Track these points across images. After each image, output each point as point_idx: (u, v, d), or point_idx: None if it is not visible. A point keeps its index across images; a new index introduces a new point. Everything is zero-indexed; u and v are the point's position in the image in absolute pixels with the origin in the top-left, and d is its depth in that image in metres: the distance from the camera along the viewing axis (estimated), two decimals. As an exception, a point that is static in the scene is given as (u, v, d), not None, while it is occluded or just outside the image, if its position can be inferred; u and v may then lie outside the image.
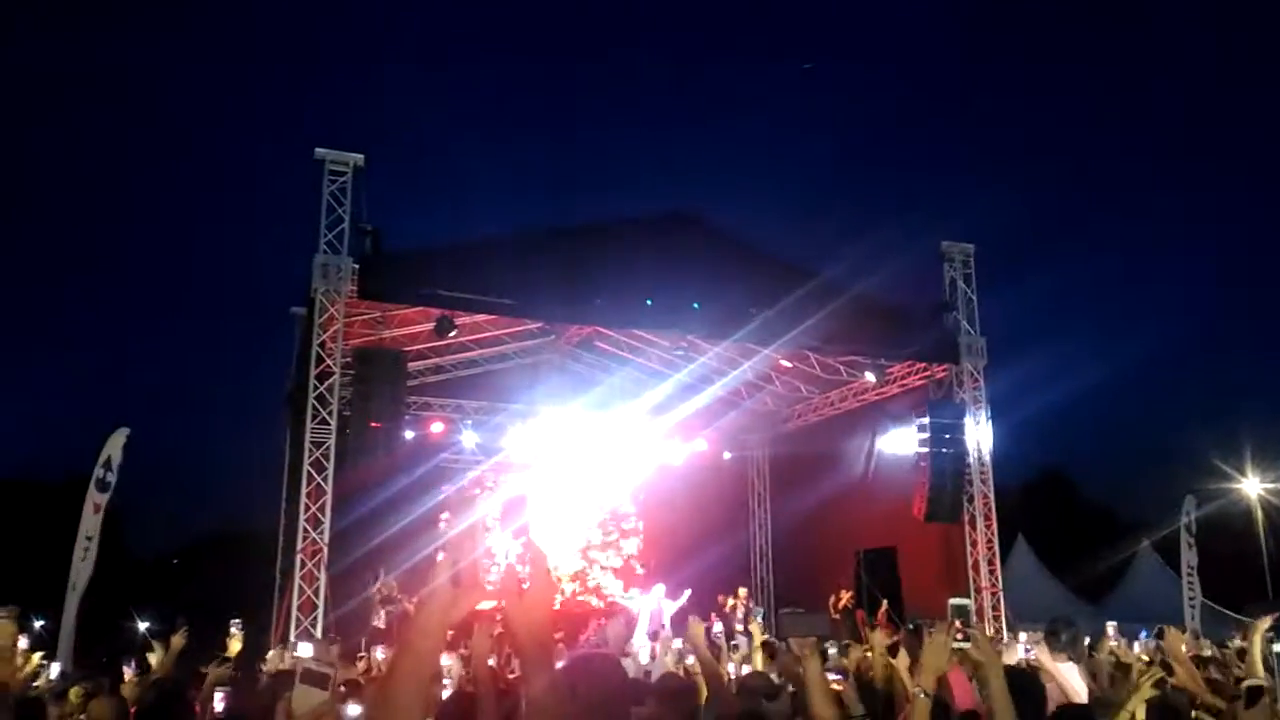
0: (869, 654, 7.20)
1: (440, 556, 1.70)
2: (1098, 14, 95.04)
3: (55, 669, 8.64)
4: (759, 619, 9.99)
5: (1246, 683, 3.73)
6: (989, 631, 15.29)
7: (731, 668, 7.86)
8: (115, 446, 13.67)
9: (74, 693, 5.85)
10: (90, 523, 13.45)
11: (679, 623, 14.08)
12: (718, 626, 12.69)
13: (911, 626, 12.63)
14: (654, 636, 12.09)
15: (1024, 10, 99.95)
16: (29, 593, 7.75)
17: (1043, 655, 6.15)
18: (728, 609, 16.24)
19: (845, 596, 16.72)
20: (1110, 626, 7.91)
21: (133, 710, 5.00)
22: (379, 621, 14.82)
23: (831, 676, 3.91)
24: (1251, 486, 25.86)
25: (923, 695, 3.23)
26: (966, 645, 3.65)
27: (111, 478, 13.63)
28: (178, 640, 6.86)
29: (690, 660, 7.88)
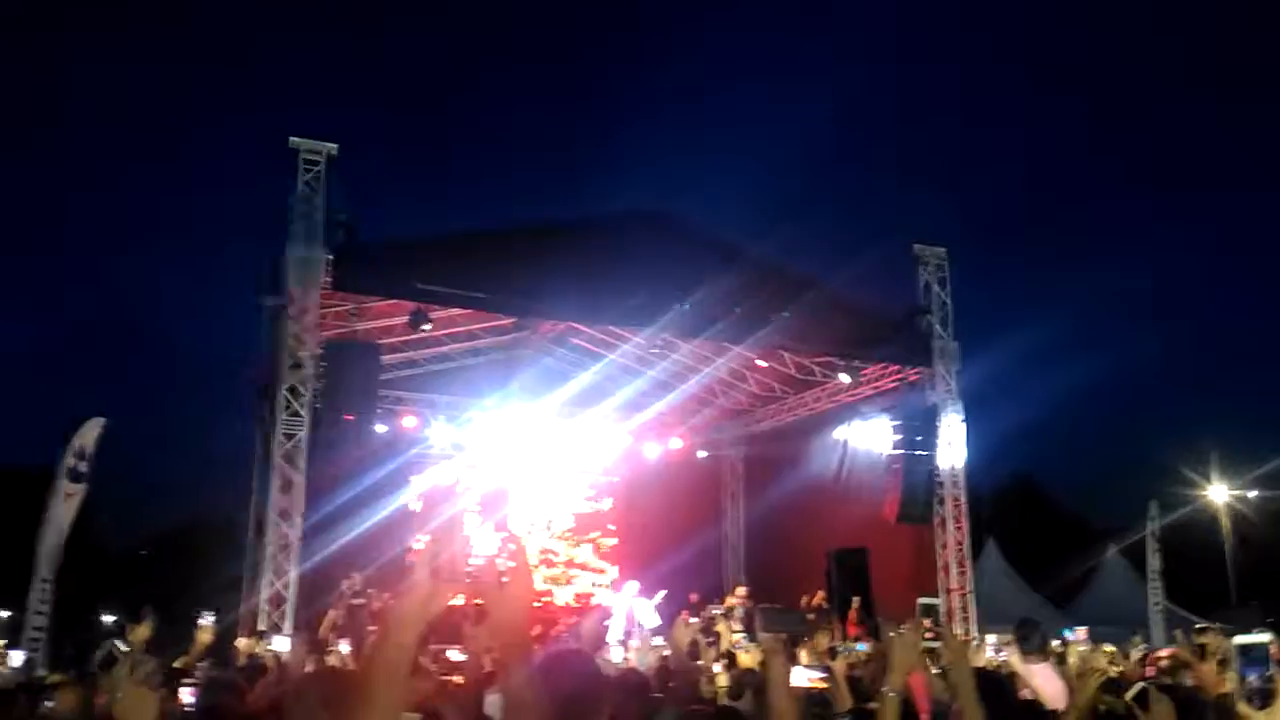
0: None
1: (417, 548, 1.69)
2: (1067, 10, 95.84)
3: (18, 657, 8.55)
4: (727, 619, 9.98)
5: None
6: (958, 632, 15.41)
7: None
8: (89, 437, 13.46)
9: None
10: (60, 513, 13.24)
11: (666, 621, 14.13)
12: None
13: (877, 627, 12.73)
14: (627, 636, 12.10)
15: (994, 7, 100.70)
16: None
17: (1013, 658, 6.19)
18: (723, 608, 16.09)
19: (818, 596, 16.77)
20: (1081, 631, 7.97)
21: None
22: (339, 615, 14.68)
23: (815, 675, 3.92)
24: (1218, 493, 26.19)
25: (892, 694, 3.23)
26: (936, 644, 3.65)
27: (84, 468, 13.42)
28: (143, 630, 6.78)
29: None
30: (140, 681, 2.10)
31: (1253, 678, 3.04)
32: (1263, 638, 3.30)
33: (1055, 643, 7.52)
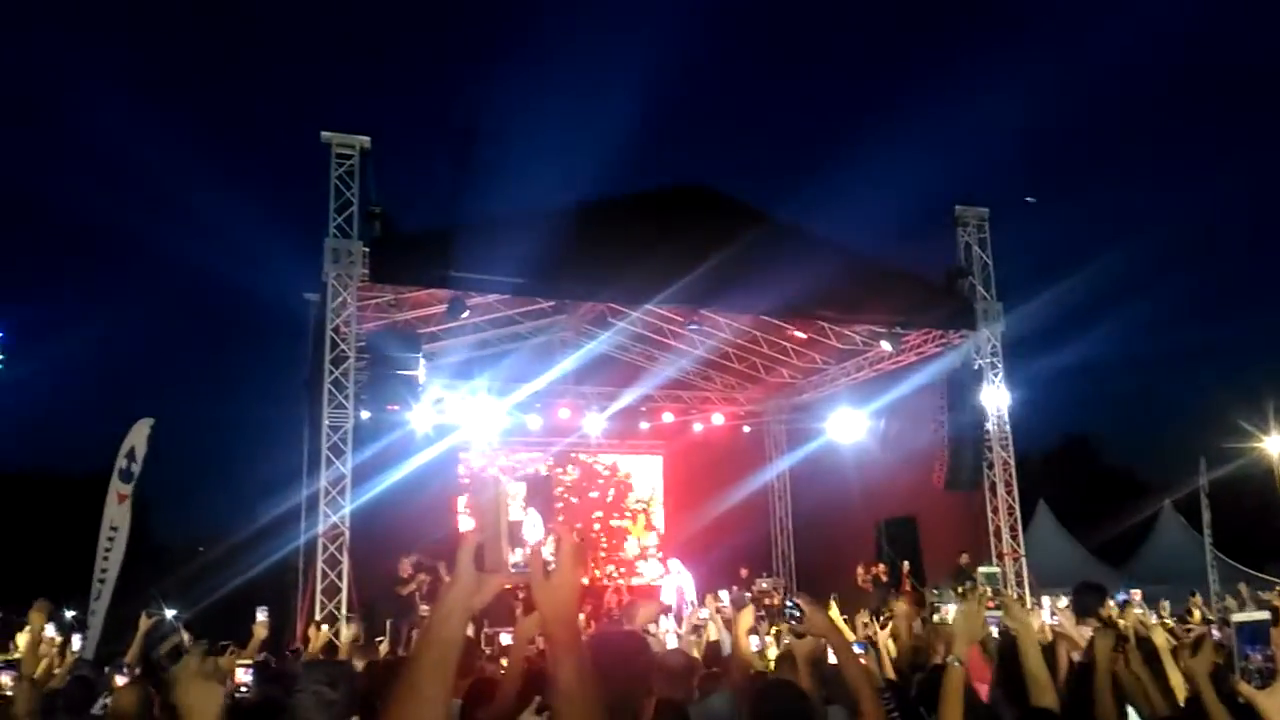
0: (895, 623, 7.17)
1: (463, 531, 1.69)
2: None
3: (77, 643, 8.73)
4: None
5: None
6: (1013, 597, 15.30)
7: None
8: (139, 437, 13.75)
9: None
10: (115, 513, 13.54)
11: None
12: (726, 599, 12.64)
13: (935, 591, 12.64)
14: (677, 614, 12.09)
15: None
16: (56, 585, 7.83)
17: (1067, 621, 6.11)
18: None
19: (879, 567, 16.66)
20: (1136, 594, 7.85)
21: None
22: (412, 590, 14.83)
23: (856, 649, 3.89)
24: (1274, 445, 25.69)
25: (957, 664, 3.18)
26: (999, 614, 3.60)
27: (136, 468, 13.71)
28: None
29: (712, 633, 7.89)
30: (207, 675, 2.12)
31: (1255, 655, 2.95)
32: (1263, 615, 3.21)
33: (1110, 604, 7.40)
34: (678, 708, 3.38)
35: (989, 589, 12.14)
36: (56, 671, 6.50)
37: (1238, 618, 3.18)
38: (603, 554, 21.51)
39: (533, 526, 15.46)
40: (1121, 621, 7.48)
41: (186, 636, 6.66)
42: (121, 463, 13.71)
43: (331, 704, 2.60)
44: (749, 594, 17.77)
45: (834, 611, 7.38)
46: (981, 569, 13.73)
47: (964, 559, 15.63)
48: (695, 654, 6.48)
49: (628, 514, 22.25)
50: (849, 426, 18.71)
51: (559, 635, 1.72)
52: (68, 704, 4.52)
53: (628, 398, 20.19)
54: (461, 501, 20.47)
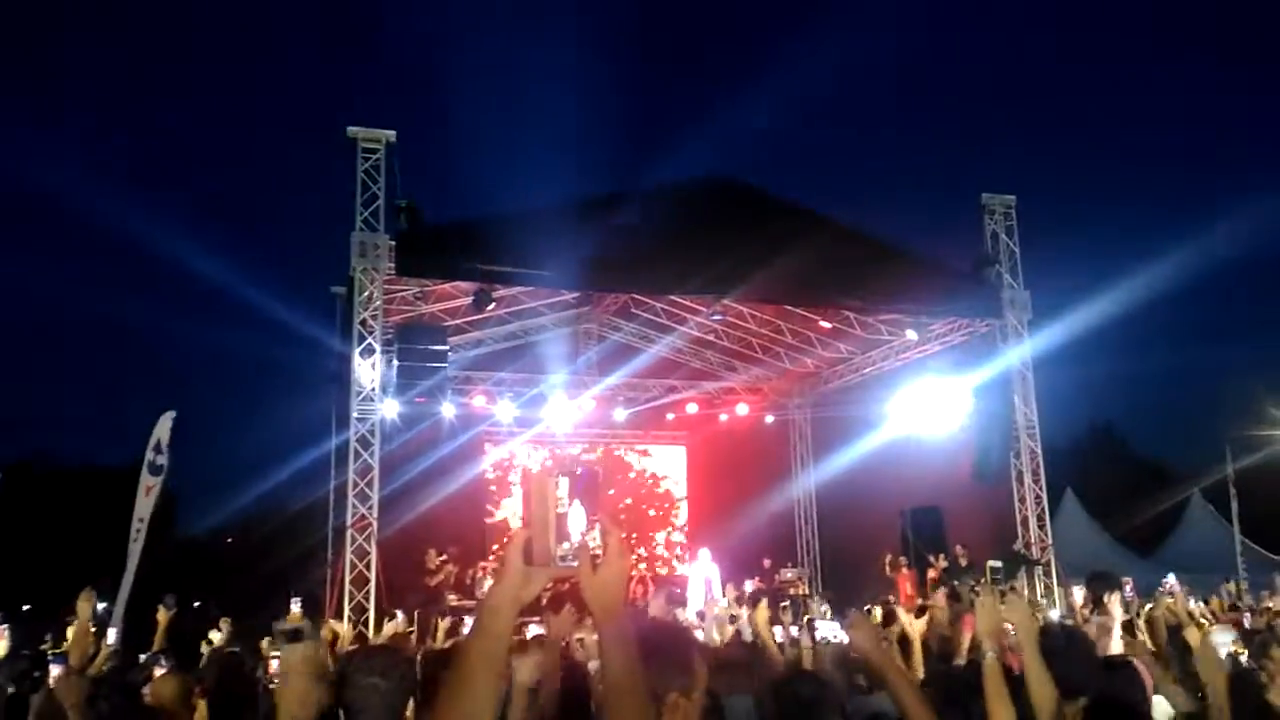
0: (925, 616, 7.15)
1: (491, 522, 1.70)
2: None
3: (112, 636, 8.87)
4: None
5: None
6: (1039, 589, 15.22)
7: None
8: (164, 430, 13.91)
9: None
10: (143, 505, 13.72)
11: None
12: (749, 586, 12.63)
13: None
14: (703, 605, 12.08)
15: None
16: (95, 576, 7.95)
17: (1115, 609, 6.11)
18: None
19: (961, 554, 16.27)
20: (1170, 581, 7.78)
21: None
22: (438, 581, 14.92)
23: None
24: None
25: (991, 655, 3.19)
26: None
27: (163, 460, 13.88)
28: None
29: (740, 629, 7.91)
30: (316, 675, 2.10)
31: None
32: None
33: (1128, 591, 7.33)
34: (715, 700, 3.41)
35: (992, 579, 12.06)
36: (95, 662, 6.61)
37: None
38: (633, 542, 21.58)
39: (577, 519, 15.50)
40: (1155, 610, 7.46)
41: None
42: (149, 455, 13.88)
43: (386, 694, 2.63)
44: (772, 582, 17.78)
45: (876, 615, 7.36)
46: (989, 562, 13.62)
47: (959, 551, 15.56)
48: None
49: (655, 504, 22.32)
50: (874, 416, 18.48)
51: (608, 628, 1.73)
52: (111, 693, 4.58)
53: (652, 389, 20.23)
54: (488, 491, 20.60)
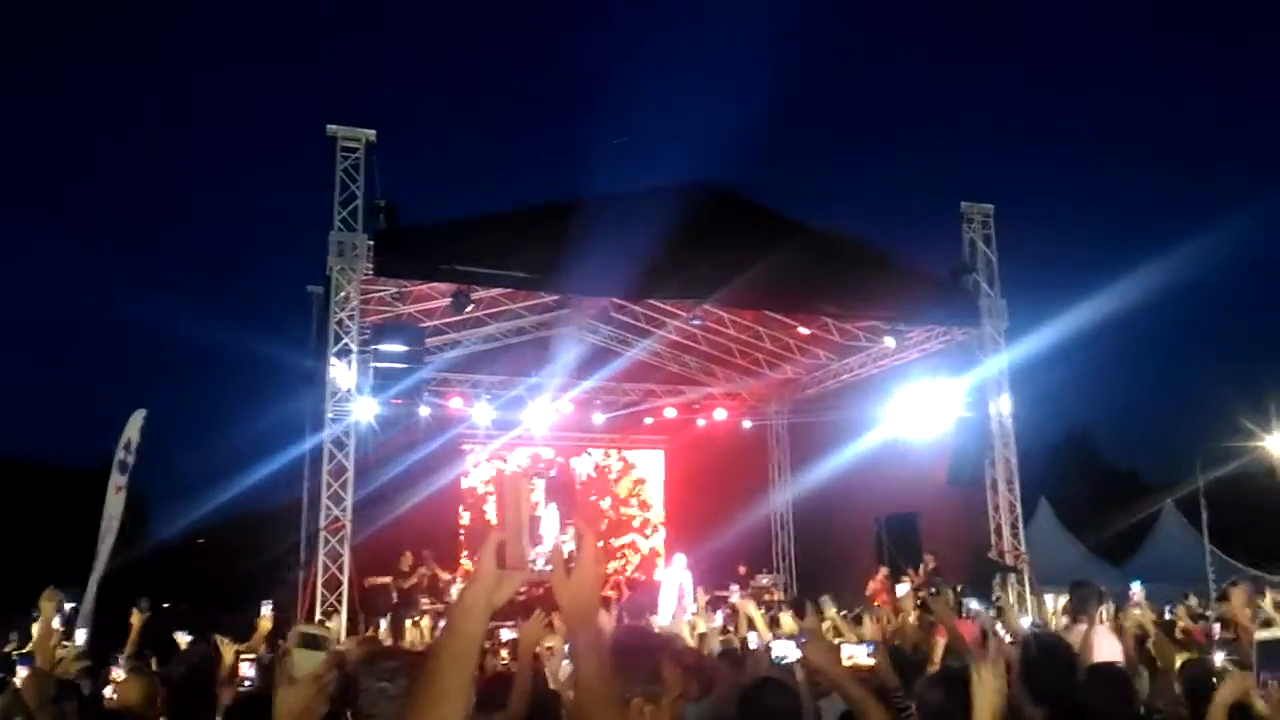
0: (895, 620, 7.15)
1: (465, 524, 1.68)
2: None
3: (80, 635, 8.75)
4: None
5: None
6: (1011, 597, 15.27)
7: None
8: (134, 428, 13.71)
9: None
10: (113, 504, 13.53)
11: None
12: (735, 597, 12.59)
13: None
14: (678, 611, 12.07)
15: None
16: (63, 577, 7.85)
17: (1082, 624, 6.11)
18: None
19: (930, 562, 16.21)
20: (1135, 586, 7.77)
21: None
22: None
23: (865, 649, 3.86)
24: (1276, 443, 25.64)
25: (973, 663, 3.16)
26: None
27: (131, 459, 13.67)
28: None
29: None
30: (322, 691, 2.01)
31: (1273, 683, 2.76)
32: None
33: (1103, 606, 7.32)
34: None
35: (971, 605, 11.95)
36: (61, 662, 6.51)
37: (1261, 635, 3.01)
38: (609, 547, 21.53)
39: (551, 523, 15.44)
40: (1127, 623, 7.46)
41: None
42: (119, 454, 13.68)
43: (395, 699, 2.60)
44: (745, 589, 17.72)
45: (831, 611, 7.32)
46: (973, 605, 13.43)
47: (929, 561, 15.60)
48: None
49: (632, 508, 22.30)
50: (851, 422, 18.44)
51: (581, 633, 1.71)
52: (78, 694, 4.52)
53: (631, 393, 20.21)
54: (464, 494, 20.52)
